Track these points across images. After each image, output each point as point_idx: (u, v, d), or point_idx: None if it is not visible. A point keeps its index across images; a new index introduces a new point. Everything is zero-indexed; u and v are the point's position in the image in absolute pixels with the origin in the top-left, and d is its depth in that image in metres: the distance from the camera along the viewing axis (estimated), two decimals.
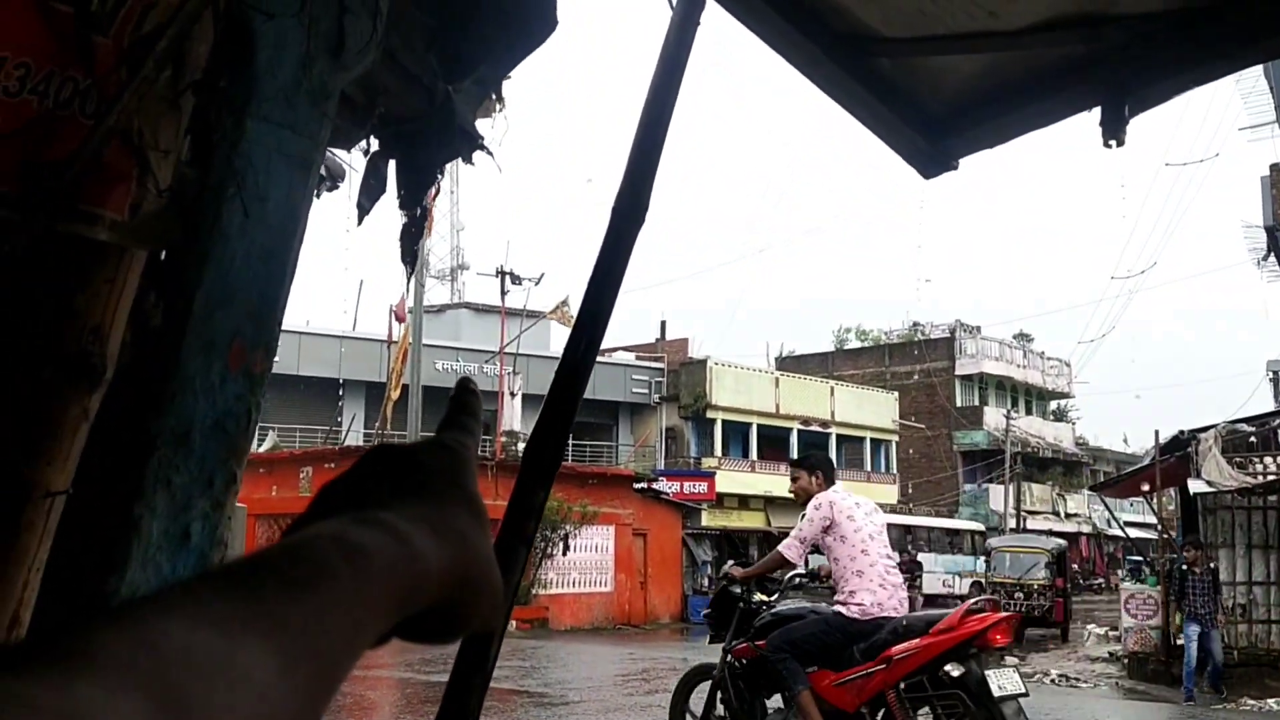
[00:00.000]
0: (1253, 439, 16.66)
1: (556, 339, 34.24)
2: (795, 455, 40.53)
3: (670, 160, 1.40)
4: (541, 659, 16.93)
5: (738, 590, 6.68)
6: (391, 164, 1.69)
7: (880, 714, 5.88)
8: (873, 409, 44.22)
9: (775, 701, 6.31)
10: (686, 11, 1.37)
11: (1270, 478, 16.18)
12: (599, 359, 1.50)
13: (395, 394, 25.20)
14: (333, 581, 0.36)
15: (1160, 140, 20.61)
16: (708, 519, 36.73)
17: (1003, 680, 5.69)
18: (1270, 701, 13.19)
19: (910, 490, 46.17)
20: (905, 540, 35.02)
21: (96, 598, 1.06)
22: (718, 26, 1.63)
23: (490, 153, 1.66)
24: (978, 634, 5.65)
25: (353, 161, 1.82)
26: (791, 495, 6.59)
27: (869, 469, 43.83)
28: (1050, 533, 34.21)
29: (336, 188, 1.95)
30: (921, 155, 1.81)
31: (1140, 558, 18.90)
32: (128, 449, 1.08)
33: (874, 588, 5.87)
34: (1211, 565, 14.31)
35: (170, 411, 1.09)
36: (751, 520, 39.56)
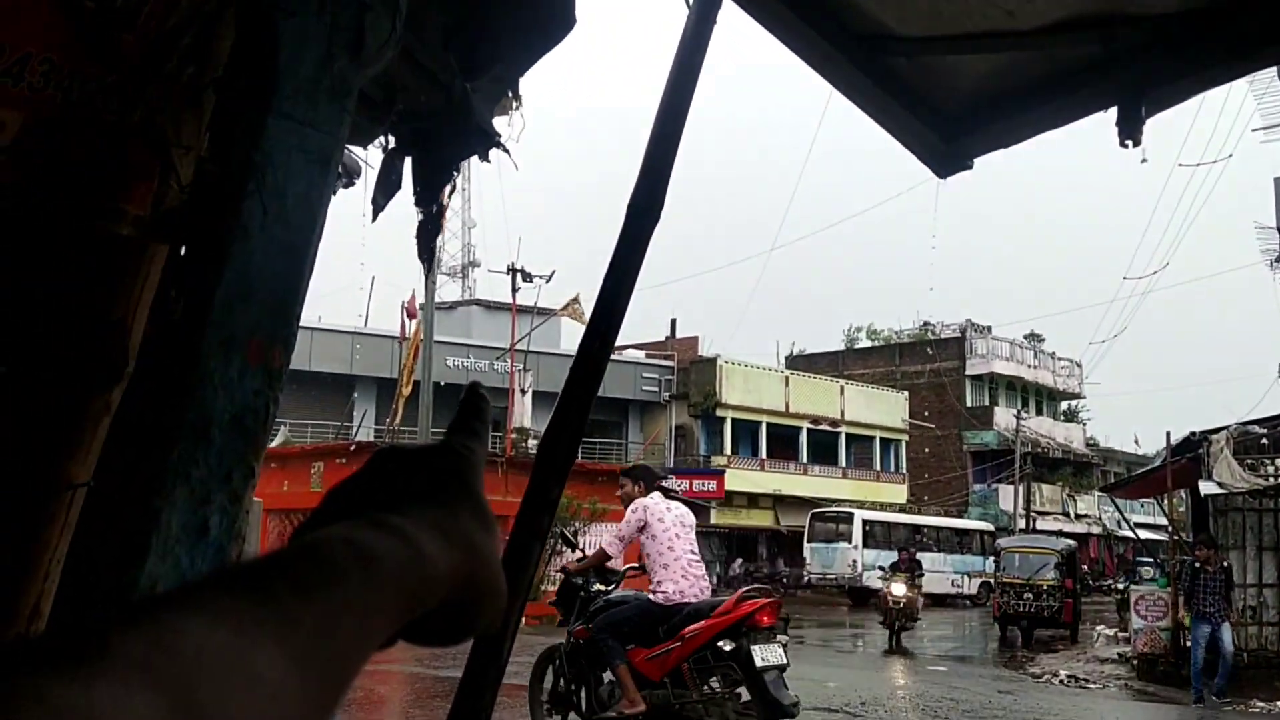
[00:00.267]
0: (1264, 440, 16.58)
1: (567, 336, 34.29)
2: (804, 455, 40.56)
3: (681, 158, 1.41)
4: None
5: (577, 581, 7.73)
6: (408, 161, 1.70)
7: (677, 682, 7.00)
8: (883, 408, 44.14)
9: (610, 675, 7.29)
10: (703, 10, 1.38)
11: None
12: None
13: (407, 390, 25.26)
14: (344, 584, 0.37)
15: (1173, 141, 20.51)
16: (717, 517, 36.74)
17: (766, 654, 6.75)
18: None
19: (919, 490, 46.06)
20: (913, 540, 35.02)
21: (116, 589, 1.07)
22: (733, 24, 1.63)
23: (507, 150, 1.67)
24: (747, 616, 6.76)
25: (369, 158, 1.83)
26: (620, 499, 7.88)
27: (878, 468, 43.76)
28: (1060, 533, 34.08)
29: (353, 184, 1.96)
30: (936, 154, 1.81)
31: (1151, 559, 18.82)
32: (148, 442, 1.09)
33: (677, 578, 7.09)
34: (1225, 564, 14.19)
35: (190, 406, 1.10)
36: (760, 519, 39.57)
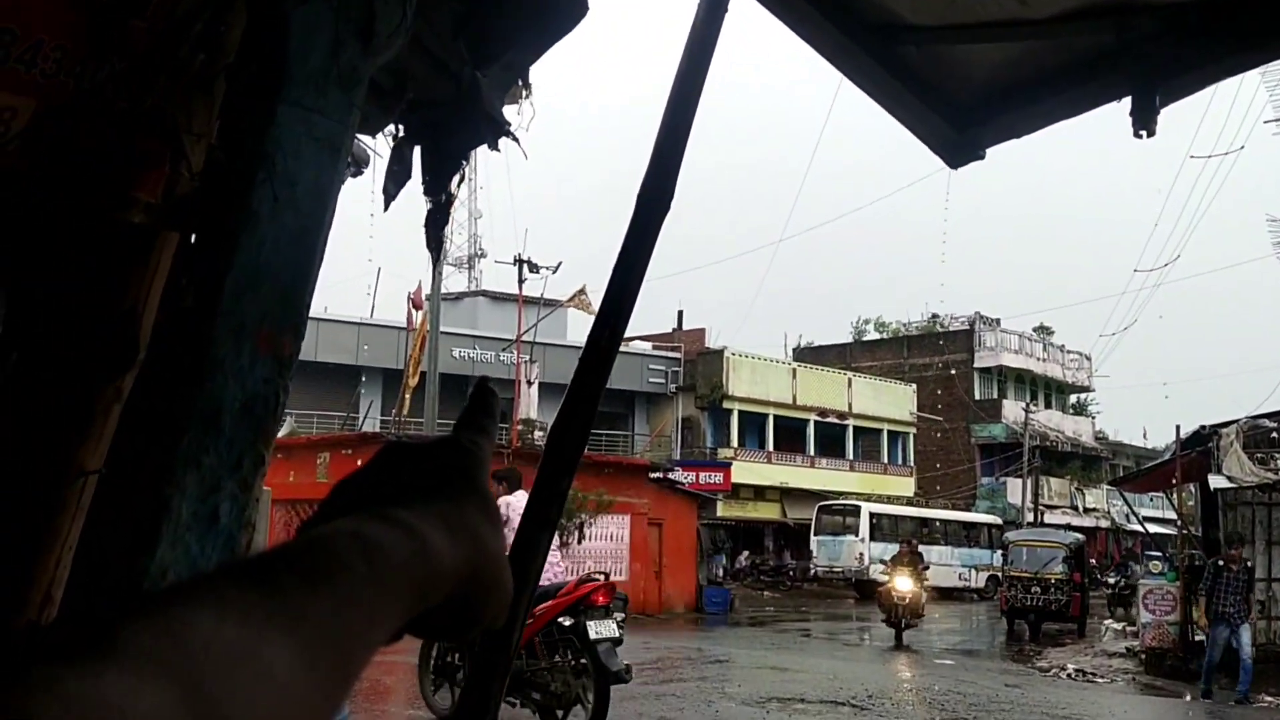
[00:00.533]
0: (1274, 434, 16.53)
1: (574, 327, 34.29)
2: (811, 447, 40.53)
3: (691, 149, 1.40)
4: None
5: None
6: (417, 150, 1.70)
7: (529, 654, 8.03)
8: (890, 401, 44.10)
9: None
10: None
11: None
12: None
13: (413, 381, 25.29)
14: (351, 577, 0.37)
15: (1185, 133, 20.42)
16: (723, 509, 36.75)
17: (600, 628, 7.88)
18: None
19: (927, 483, 46.02)
20: (920, 532, 35.01)
21: (127, 576, 1.07)
22: (744, 13, 1.62)
23: (516, 139, 1.66)
24: (585, 596, 7.88)
25: (378, 147, 1.82)
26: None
27: (886, 461, 43.74)
28: (1069, 527, 34.01)
29: (361, 173, 1.96)
30: (948, 144, 1.80)
31: (1160, 553, 18.79)
32: (158, 430, 1.09)
33: None
34: (1248, 564, 14.10)
35: (200, 394, 1.10)
36: (767, 511, 39.60)
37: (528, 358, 27.89)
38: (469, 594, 0.46)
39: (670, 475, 28.86)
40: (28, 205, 1.05)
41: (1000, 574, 26.10)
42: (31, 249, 1.10)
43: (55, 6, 0.94)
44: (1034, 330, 54.66)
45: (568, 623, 7.92)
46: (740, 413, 38.89)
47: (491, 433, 0.55)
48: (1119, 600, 25.19)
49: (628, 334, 1.44)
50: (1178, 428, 17.61)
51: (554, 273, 28.30)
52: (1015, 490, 45.76)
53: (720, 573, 31.37)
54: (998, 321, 51.88)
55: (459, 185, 1.77)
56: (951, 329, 52.10)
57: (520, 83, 1.66)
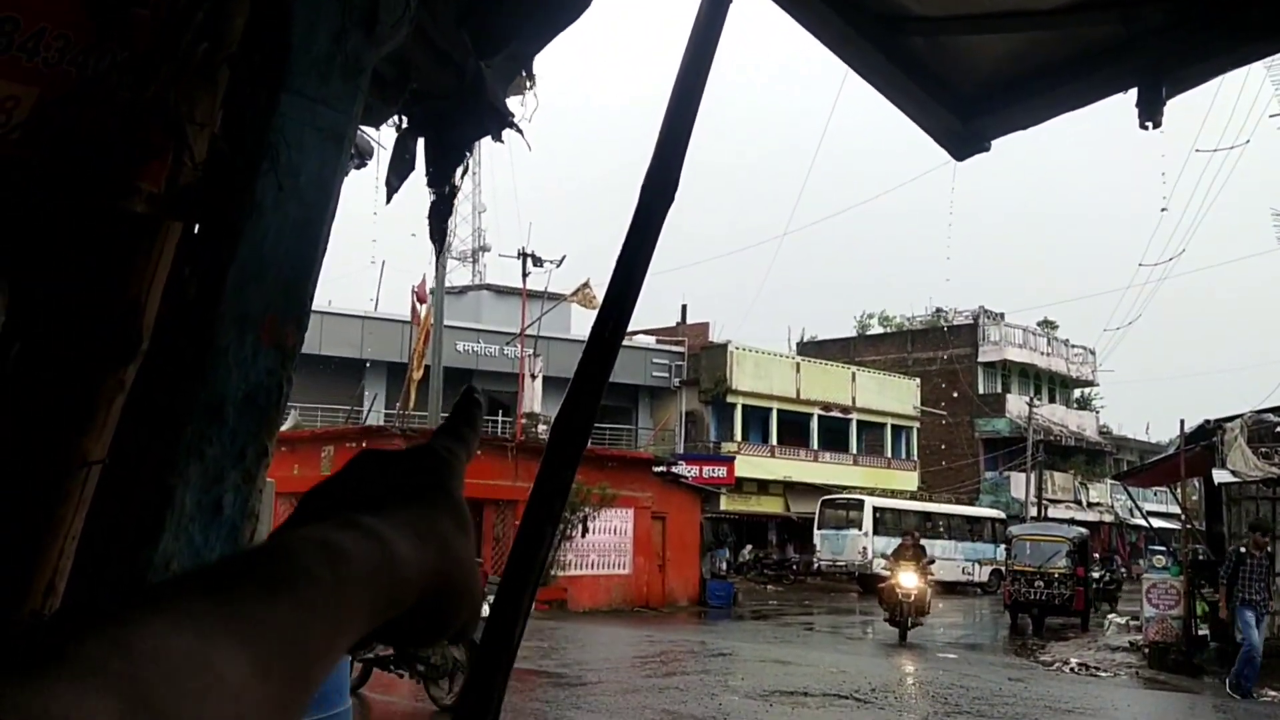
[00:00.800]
0: (1279, 429, 16.50)
1: (577, 321, 34.31)
2: (814, 441, 40.53)
3: (694, 142, 1.40)
4: (560, 640, 17.04)
5: None
6: (420, 141, 1.69)
7: None
8: (894, 395, 44.08)
9: None
10: None
11: None
12: None
13: (418, 374, 25.31)
14: (313, 584, 0.37)
15: (1191, 127, 20.37)
16: (727, 503, 36.79)
17: None
18: None
19: (931, 477, 46.01)
20: (923, 526, 35.01)
21: (131, 567, 1.07)
22: (748, 4, 1.61)
23: (520, 130, 1.66)
24: None
25: (382, 139, 1.82)
26: None
27: (889, 455, 43.74)
28: (1072, 521, 34.03)
29: (365, 165, 1.95)
30: (953, 136, 1.79)
31: (1164, 547, 18.78)
32: (162, 420, 1.09)
33: None
34: (1270, 550, 14.01)
35: (204, 384, 1.10)
36: (771, 505, 39.61)
37: (531, 351, 27.89)
38: (438, 601, 0.46)
39: (674, 469, 28.88)
40: (30, 195, 1.04)
41: (1003, 568, 26.08)
42: (34, 239, 1.10)
43: None
44: (1038, 325, 54.57)
45: None
46: (744, 407, 38.89)
47: (470, 441, 0.55)
48: (1104, 595, 25.07)
49: (631, 328, 1.43)
50: (1182, 422, 17.58)
51: (557, 266, 28.28)
52: (1019, 484, 45.73)
53: (723, 566, 31.38)
54: (1002, 316, 51.82)
55: (462, 177, 1.76)
56: (955, 323, 52.03)
57: (524, 74, 1.66)
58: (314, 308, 1.25)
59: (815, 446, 40.90)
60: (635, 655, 16.03)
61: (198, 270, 1.11)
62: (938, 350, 50.67)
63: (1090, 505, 49.28)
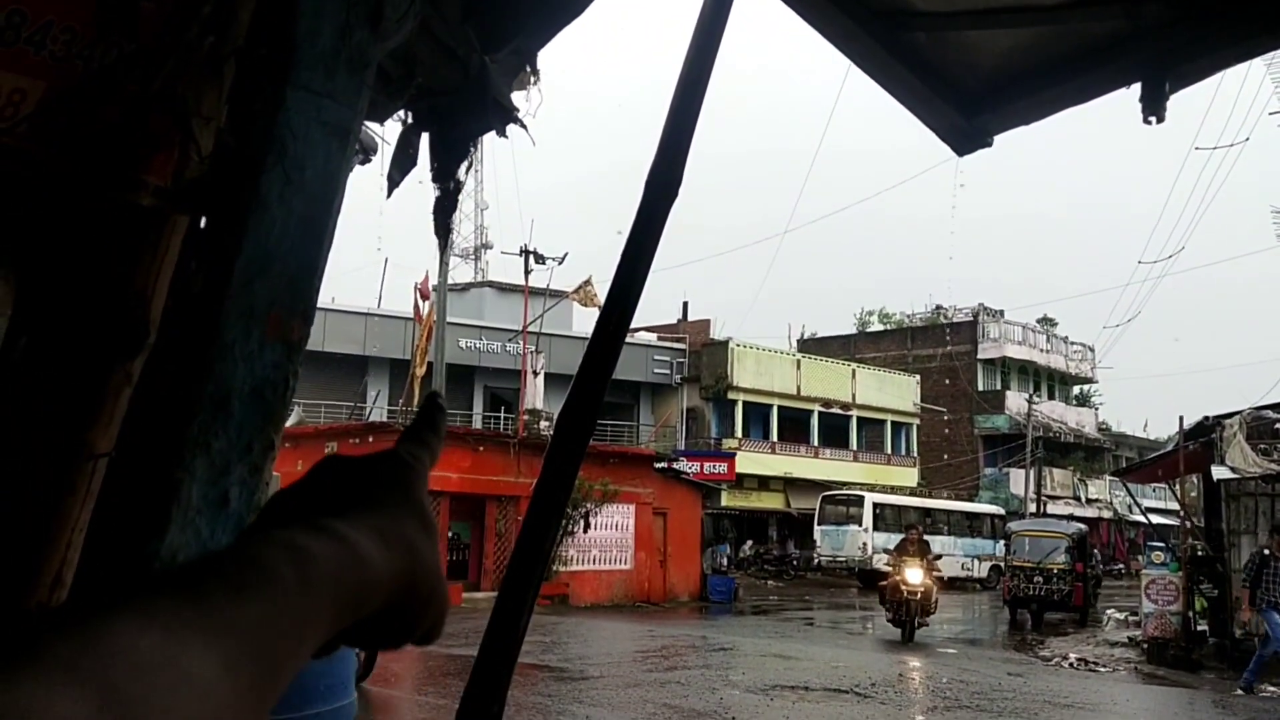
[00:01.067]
0: (1278, 425, 16.52)
1: (579, 318, 34.31)
2: (815, 438, 40.55)
3: (697, 139, 1.40)
4: (562, 634, 17.06)
5: None
6: (424, 137, 1.69)
7: None
8: (894, 392, 44.09)
9: None
10: None
11: None
12: None
13: (420, 371, 25.33)
14: (278, 585, 0.38)
15: (1190, 124, 20.35)
16: (728, 499, 36.82)
17: None
18: None
19: (930, 474, 46.03)
20: (924, 522, 35.04)
21: (138, 560, 1.07)
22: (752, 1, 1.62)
23: (525, 126, 1.66)
24: None
25: (386, 134, 1.82)
26: None
27: (889, 452, 43.76)
28: (1071, 518, 34.05)
29: (369, 161, 1.95)
30: (956, 131, 1.79)
31: (1162, 543, 18.79)
32: (168, 413, 1.10)
33: None
34: None
35: (210, 377, 1.10)
36: (771, 501, 39.65)
37: (533, 348, 27.90)
38: (405, 604, 0.46)
39: (675, 465, 28.91)
40: (37, 189, 1.05)
41: (1003, 564, 26.12)
42: (41, 233, 1.10)
43: None
44: (1037, 322, 54.61)
45: None
46: (745, 403, 38.91)
47: (434, 447, 0.55)
48: (1085, 601, 24.71)
49: (633, 325, 1.43)
50: (1181, 419, 17.61)
51: (560, 264, 28.27)
52: (1018, 481, 45.77)
53: (724, 562, 31.40)
54: (1001, 313, 51.84)
55: (467, 173, 1.76)
56: (955, 320, 52.05)
57: (528, 68, 1.66)
58: (317, 304, 1.25)
59: (816, 443, 40.93)
60: (637, 650, 16.05)
61: (204, 264, 1.11)
62: (937, 347, 50.70)
63: (1089, 501, 49.32)
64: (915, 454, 45.14)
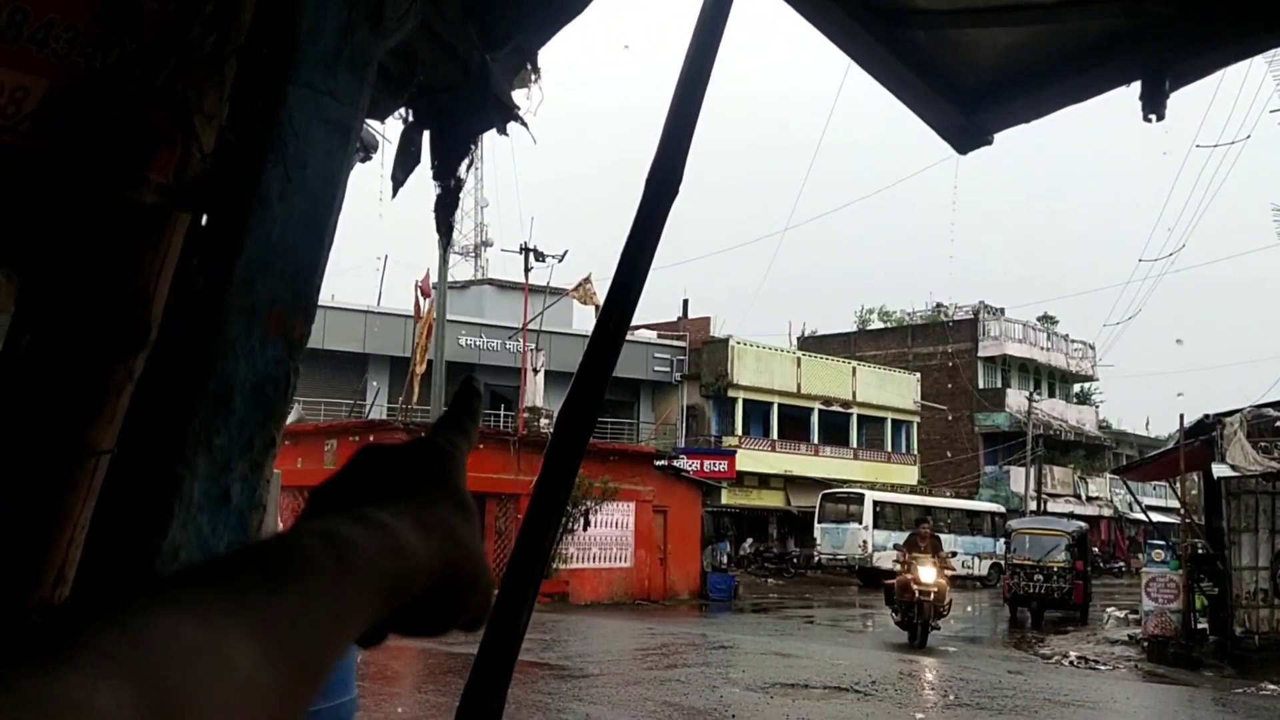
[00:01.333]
0: (1278, 423, 16.51)
1: (579, 316, 34.30)
2: (815, 435, 40.55)
3: (698, 137, 1.40)
4: (562, 632, 17.07)
5: None
6: (425, 135, 1.70)
7: None
8: (894, 390, 44.09)
9: None
10: None
11: None
12: None
13: (420, 368, 25.34)
14: (318, 574, 0.38)
15: (1192, 122, 20.34)
16: (728, 497, 36.82)
17: None
18: None
19: (931, 471, 46.03)
20: (926, 519, 35.01)
21: (140, 556, 1.08)
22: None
23: (525, 124, 1.66)
24: None
25: (387, 132, 1.82)
26: None
27: (890, 449, 43.76)
28: (1071, 515, 34.05)
29: (370, 158, 1.96)
30: (956, 129, 1.79)
31: (1163, 541, 18.80)
32: (170, 410, 1.10)
33: None
34: None
35: (211, 374, 1.10)
36: (771, 499, 39.65)
37: (533, 346, 27.90)
38: (447, 589, 0.46)
39: (675, 463, 28.91)
40: (39, 186, 1.05)
41: (1003, 562, 26.10)
42: (43, 231, 1.10)
43: None
44: (1038, 320, 54.61)
45: None
46: (745, 401, 38.91)
47: (471, 433, 0.55)
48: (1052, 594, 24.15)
49: (633, 323, 1.44)
50: (1181, 417, 17.61)
51: (560, 261, 28.27)
52: (1018, 479, 45.77)
53: (724, 560, 31.41)
54: (1002, 311, 51.83)
55: (467, 170, 1.77)
56: (956, 318, 52.04)
57: (529, 66, 1.66)
58: (318, 301, 1.26)
59: (816, 441, 40.94)
60: (637, 648, 16.06)
61: (205, 261, 1.12)
62: (938, 345, 50.69)
63: (1089, 500, 49.33)
64: (915, 452, 45.14)
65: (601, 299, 1.35)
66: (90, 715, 0.27)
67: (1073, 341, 54.89)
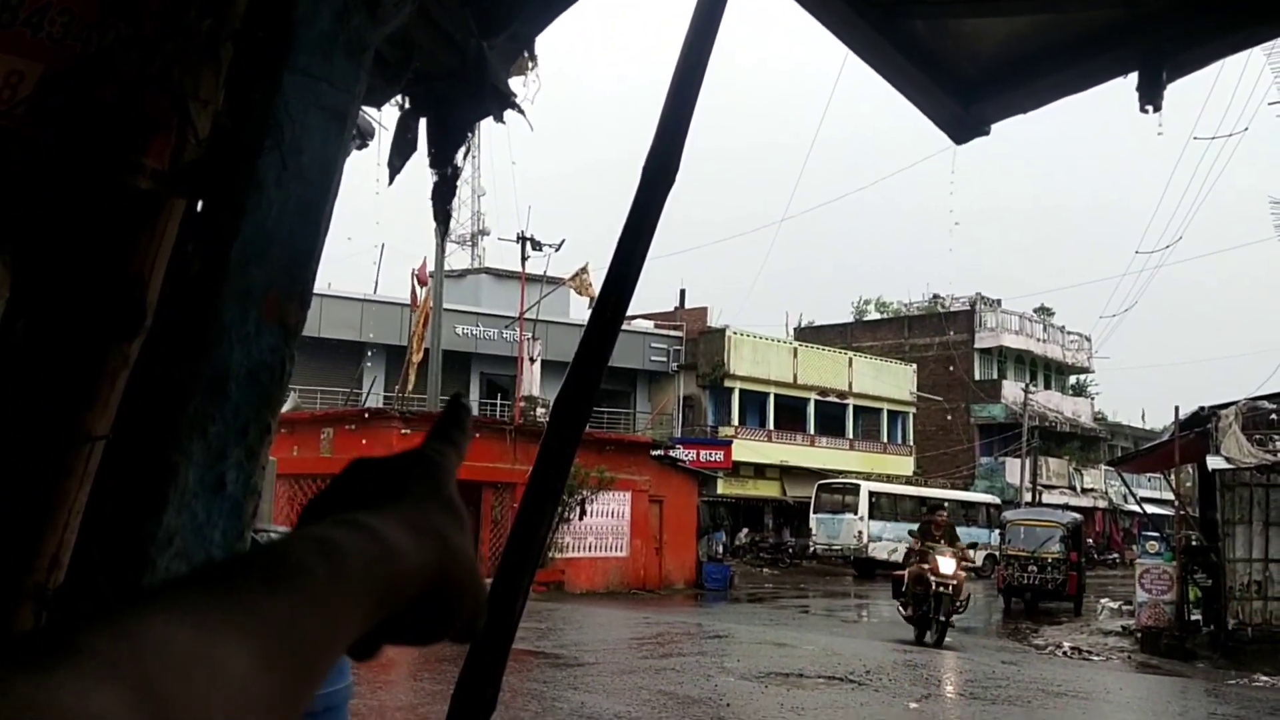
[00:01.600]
0: (1273, 416, 16.55)
1: (576, 305, 34.30)
2: (811, 426, 40.60)
3: (695, 127, 1.40)
4: (557, 621, 17.10)
5: None
6: (422, 122, 1.69)
7: None
8: (890, 381, 44.15)
9: None
10: None
11: None
12: None
13: (417, 357, 25.33)
14: (310, 579, 0.38)
15: (1189, 114, 20.33)
16: (724, 487, 36.87)
17: None
18: None
19: (926, 462, 46.11)
20: (920, 511, 35.15)
21: (134, 542, 1.08)
22: None
23: (522, 111, 1.66)
24: None
25: (384, 120, 1.82)
26: None
27: (885, 440, 43.83)
28: (1066, 507, 34.12)
29: (366, 146, 1.95)
30: (954, 119, 1.79)
31: (1157, 533, 18.85)
32: (165, 396, 1.10)
33: None
34: None
35: (207, 360, 1.10)
36: (767, 489, 39.72)
37: (530, 335, 27.89)
38: (440, 595, 0.46)
39: (671, 453, 28.94)
40: (34, 171, 1.05)
41: (998, 553, 26.15)
42: (39, 216, 1.10)
43: None
44: (1035, 311, 54.65)
45: None
46: (741, 391, 38.94)
47: (460, 445, 0.55)
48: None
49: (630, 312, 1.44)
50: (1176, 409, 17.63)
51: (556, 250, 28.26)
52: (1014, 470, 45.87)
53: (720, 550, 31.48)
54: (998, 302, 51.88)
55: (464, 159, 1.76)
56: (952, 309, 52.07)
57: (526, 54, 1.66)
58: (314, 290, 1.26)
59: (812, 431, 40.99)
60: (632, 637, 16.10)
61: (201, 247, 1.11)
62: (934, 336, 50.73)
63: (1084, 491, 49.46)
64: (911, 443, 45.22)
65: (597, 290, 1.35)
66: (86, 719, 0.27)
67: (1069, 333, 54.97)
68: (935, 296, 54.13)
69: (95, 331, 1.09)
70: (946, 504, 17.99)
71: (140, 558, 1.08)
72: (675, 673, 11.85)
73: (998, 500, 39.19)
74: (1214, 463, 16.22)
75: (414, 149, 1.70)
